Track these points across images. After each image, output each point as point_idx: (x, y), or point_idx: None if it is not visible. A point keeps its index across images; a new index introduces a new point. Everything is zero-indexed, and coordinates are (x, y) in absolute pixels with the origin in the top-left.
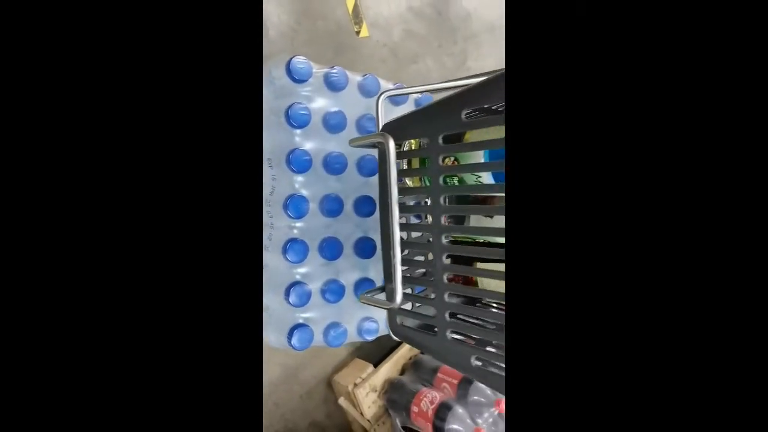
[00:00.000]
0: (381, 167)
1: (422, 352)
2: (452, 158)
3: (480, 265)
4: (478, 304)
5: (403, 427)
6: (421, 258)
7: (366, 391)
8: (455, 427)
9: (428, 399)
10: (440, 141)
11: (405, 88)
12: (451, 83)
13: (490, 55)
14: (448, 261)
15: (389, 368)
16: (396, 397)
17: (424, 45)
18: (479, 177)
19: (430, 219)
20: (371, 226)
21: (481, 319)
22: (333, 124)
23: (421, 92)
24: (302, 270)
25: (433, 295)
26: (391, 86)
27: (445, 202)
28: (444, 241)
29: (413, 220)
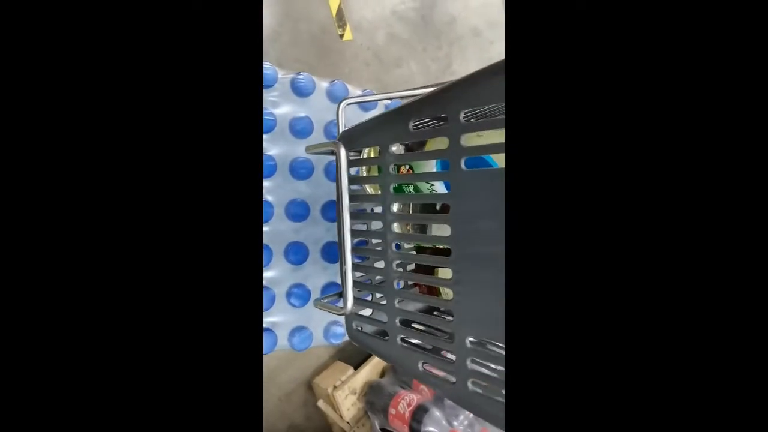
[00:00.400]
0: (336, 174)
1: None
2: (408, 167)
3: (441, 272)
4: (435, 313)
5: (382, 429)
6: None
7: (345, 393)
8: (431, 429)
9: (406, 401)
10: (391, 149)
11: (373, 94)
12: (414, 91)
13: (474, 59)
14: (399, 268)
15: (369, 371)
16: (374, 399)
17: (408, 49)
18: (432, 186)
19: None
20: None
21: (434, 328)
22: (299, 129)
23: (390, 99)
24: (267, 274)
25: (384, 302)
26: (359, 92)
27: (409, 209)
28: (394, 248)
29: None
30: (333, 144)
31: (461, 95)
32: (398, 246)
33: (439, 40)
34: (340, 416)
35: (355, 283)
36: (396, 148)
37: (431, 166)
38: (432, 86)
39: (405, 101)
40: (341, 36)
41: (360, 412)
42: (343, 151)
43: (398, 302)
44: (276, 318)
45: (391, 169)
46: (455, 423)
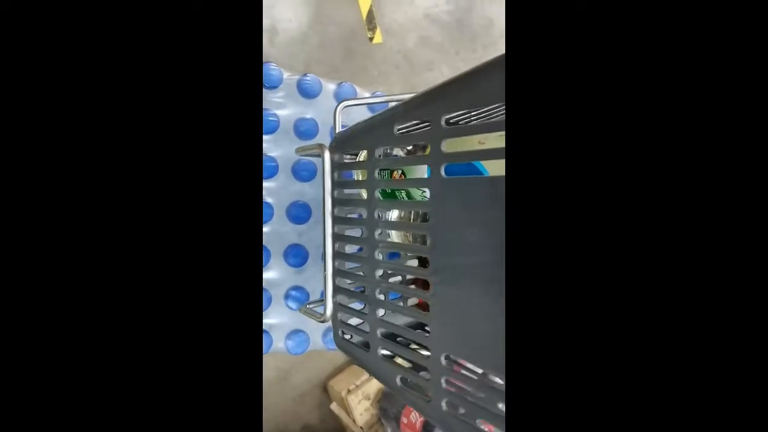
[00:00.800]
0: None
1: None
2: (400, 172)
3: None
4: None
5: None
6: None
7: (359, 398)
8: None
9: (418, 412)
10: (377, 153)
11: (378, 97)
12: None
13: None
14: (382, 277)
15: None
16: (388, 406)
17: (440, 52)
18: (424, 192)
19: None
20: None
21: (418, 344)
22: (303, 130)
23: (390, 102)
24: (265, 275)
25: (368, 311)
26: (367, 95)
27: (410, 217)
28: (377, 255)
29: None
30: (318, 146)
31: (443, 99)
32: (396, 255)
33: (474, 42)
34: (353, 421)
35: (342, 290)
36: (395, 152)
37: (423, 172)
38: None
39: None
40: (371, 39)
41: (373, 418)
42: (327, 154)
43: (381, 313)
44: (272, 320)
45: (377, 174)
46: None
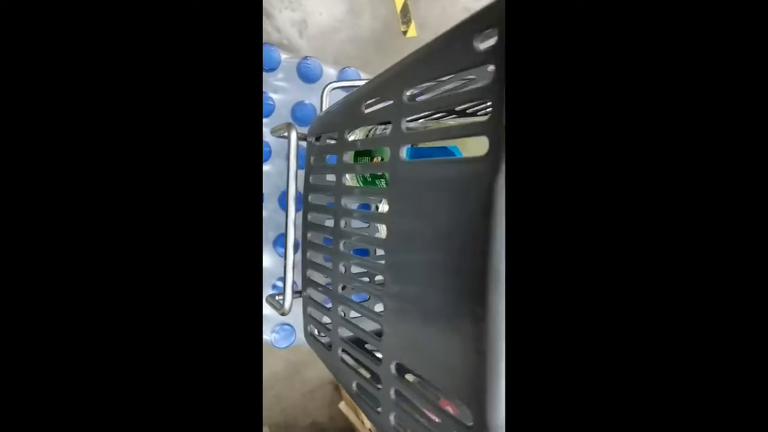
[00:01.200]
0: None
1: None
2: (380, 157)
3: None
4: None
5: None
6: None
7: None
8: None
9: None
10: (346, 135)
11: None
12: None
13: None
14: (346, 271)
15: None
16: None
17: None
18: None
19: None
20: None
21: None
22: (299, 116)
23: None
24: None
25: (329, 306)
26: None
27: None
28: (342, 247)
29: (356, 224)
30: (286, 127)
31: (405, 72)
32: (365, 252)
33: None
34: (362, 422)
35: (313, 283)
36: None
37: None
38: None
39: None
40: (405, 33)
41: None
42: (293, 134)
43: (342, 312)
44: None
45: (347, 157)
46: None
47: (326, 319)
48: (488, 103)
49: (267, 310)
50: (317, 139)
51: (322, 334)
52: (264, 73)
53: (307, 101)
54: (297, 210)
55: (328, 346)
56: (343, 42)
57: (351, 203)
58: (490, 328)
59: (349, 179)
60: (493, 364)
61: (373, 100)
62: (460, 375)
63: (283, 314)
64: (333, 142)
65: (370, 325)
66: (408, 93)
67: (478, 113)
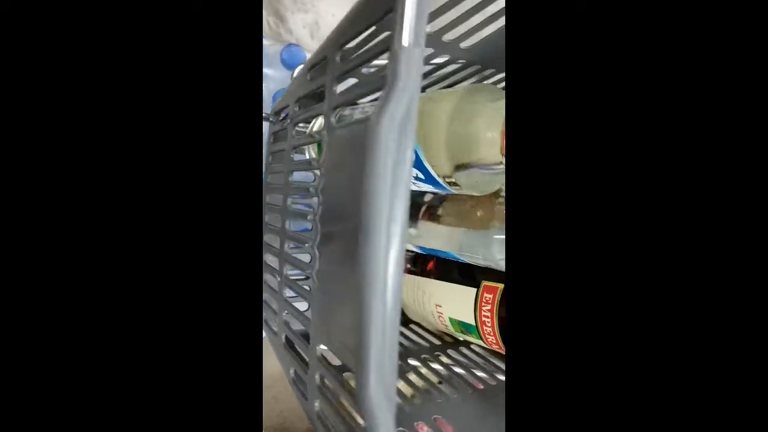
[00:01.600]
0: None
1: None
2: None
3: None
4: None
5: None
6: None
7: None
8: None
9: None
10: (294, 109)
11: None
12: None
13: None
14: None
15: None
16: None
17: None
18: None
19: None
20: None
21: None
22: None
23: None
24: None
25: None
26: None
27: None
28: (288, 227)
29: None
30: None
31: (337, 31)
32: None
33: None
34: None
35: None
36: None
37: None
38: None
39: None
40: None
41: None
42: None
43: (287, 293)
44: None
45: (294, 131)
46: None
47: (274, 304)
48: None
49: None
50: (277, 114)
51: (271, 321)
52: None
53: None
54: None
55: (274, 332)
56: None
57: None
58: (366, 297)
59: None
60: (367, 337)
61: (316, 68)
62: (350, 349)
63: None
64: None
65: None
66: (340, 54)
67: None
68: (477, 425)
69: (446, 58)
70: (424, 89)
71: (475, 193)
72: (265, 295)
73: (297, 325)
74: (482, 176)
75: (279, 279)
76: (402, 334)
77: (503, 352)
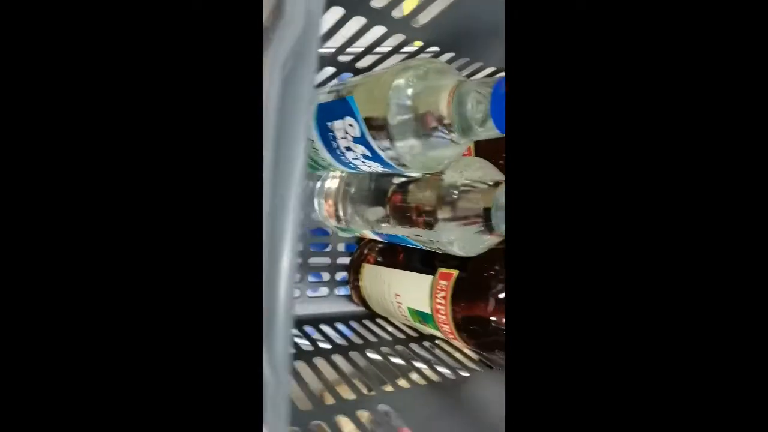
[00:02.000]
0: None
1: None
2: None
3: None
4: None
5: None
6: None
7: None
8: None
9: None
10: None
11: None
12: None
13: None
14: None
15: None
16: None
17: None
18: (313, 143)
19: None
20: None
21: None
22: None
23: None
24: None
25: None
26: None
27: (345, 189)
28: None
29: None
30: None
31: None
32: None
33: None
34: None
35: None
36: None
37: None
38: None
39: None
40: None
41: None
42: None
43: None
44: None
45: None
46: None
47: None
48: None
49: None
50: None
51: None
52: None
53: None
54: None
55: None
56: None
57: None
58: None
59: None
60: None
61: None
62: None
63: None
64: None
65: None
66: None
67: None
68: (429, 418)
69: (402, 39)
70: None
71: (423, 172)
72: None
73: None
74: (424, 148)
75: None
76: (366, 327)
77: (458, 344)
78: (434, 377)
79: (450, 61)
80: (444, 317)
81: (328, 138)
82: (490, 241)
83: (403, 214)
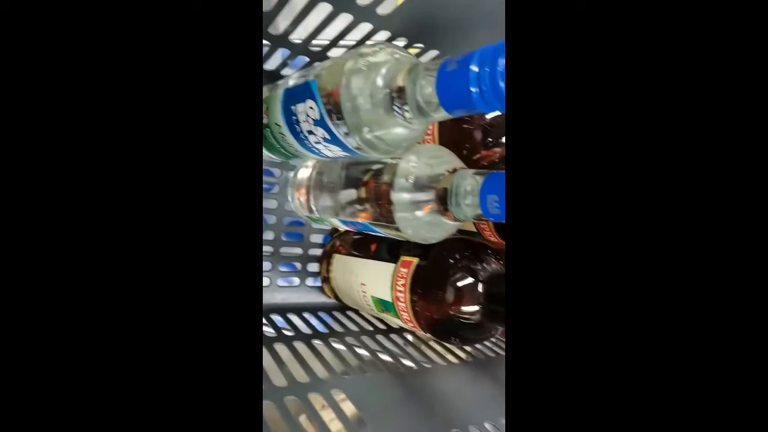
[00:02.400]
0: None
1: None
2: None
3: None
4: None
5: None
6: None
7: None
8: None
9: None
10: None
11: None
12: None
13: None
14: None
15: None
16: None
17: None
18: (280, 128)
19: None
20: None
21: None
22: None
23: None
24: None
25: None
26: None
27: (316, 177)
28: None
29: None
30: None
31: None
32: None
33: None
34: None
35: None
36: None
37: (275, 102)
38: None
39: None
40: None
41: None
42: None
43: None
44: None
45: None
46: None
47: None
48: None
49: None
50: None
51: None
52: None
53: None
54: None
55: None
56: None
57: None
58: None
59: None
60: None
61: None
62: None
63: None
64: None
65: None
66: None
67: None
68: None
69: (369, 28)
70: None
71: (381, 157)
72: None
73: None
74: (378, 130)
75: None
76: (334, 318)
77: (419, 333)
78: (398, 368)
79: (419, 54)
80: (403, 305)
81: (292, 122)
82: (446, 227)
83: (362, 202)
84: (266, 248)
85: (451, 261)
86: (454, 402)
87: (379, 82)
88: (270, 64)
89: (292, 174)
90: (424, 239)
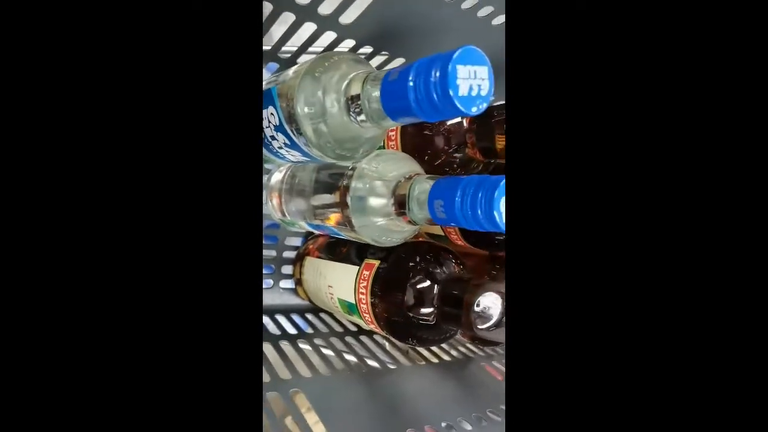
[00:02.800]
0: None
1: None
2: None
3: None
4: None
5: None
6: None
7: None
8: None
9: None
10: None
11: None
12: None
13: None
14: None
15: None
16: None
17: None
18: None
19: None
20: None
21: None
22: None
23: None
24: None
25: None
26: None
27: (289, 180)
28: None
29: None
30: None
31: None
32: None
33: None
34: None
35: None
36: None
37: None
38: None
39: None
40: None
41: None
42: None
43: None
44: None
45: None
46: None
47: None
48: None
49: None
50: None
51: None
52: None
53: None
54: None
55: None
56: None
57: None
58: None
59: None
60: None
61: None
62: None
63: None
64: None
65: None
66: None
67: None
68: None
69: (333, 37)
70: None
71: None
72: None
73: None
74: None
75: None
76: (305, 319)
77: (382, 333)
78: (361, 369)
79: (385, 63)
80: (365, 306)
81: None
82: (404, 231)
83: (326, 207)
84: None
85: (411, 264)
86: (415, 403)
87: (333, 89)
88: None
89: (266, 177)
90: (383, 243)
